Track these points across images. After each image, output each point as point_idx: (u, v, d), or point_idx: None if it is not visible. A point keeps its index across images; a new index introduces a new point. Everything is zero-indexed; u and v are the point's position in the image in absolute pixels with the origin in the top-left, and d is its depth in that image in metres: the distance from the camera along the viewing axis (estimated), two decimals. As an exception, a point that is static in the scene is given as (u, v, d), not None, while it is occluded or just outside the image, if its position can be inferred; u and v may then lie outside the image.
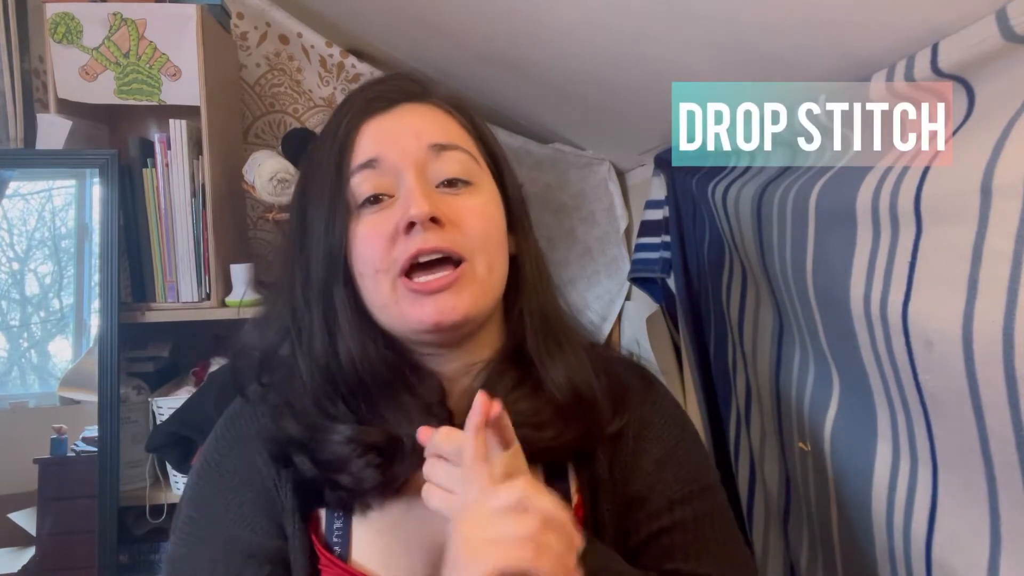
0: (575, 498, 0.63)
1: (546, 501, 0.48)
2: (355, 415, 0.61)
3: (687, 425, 0.70)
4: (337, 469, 0.59)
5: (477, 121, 0.67)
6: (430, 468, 0.54)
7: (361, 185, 0.60)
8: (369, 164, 0.61)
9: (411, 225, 0.58)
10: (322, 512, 0.63)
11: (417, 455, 0.57)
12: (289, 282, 0.64)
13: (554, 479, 0.63)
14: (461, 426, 0.54)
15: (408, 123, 0.63)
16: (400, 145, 0.61)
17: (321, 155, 0.63)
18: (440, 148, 0.61)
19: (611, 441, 0.64)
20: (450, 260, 0.59)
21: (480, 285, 0.60)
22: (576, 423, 0.62)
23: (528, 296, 0.65)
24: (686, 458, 0.66)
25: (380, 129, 0.62)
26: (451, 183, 0.61)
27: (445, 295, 0.58)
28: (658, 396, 0.70)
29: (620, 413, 0.65)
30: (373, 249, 0.59)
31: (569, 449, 0.62)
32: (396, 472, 0.59)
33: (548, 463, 0.63)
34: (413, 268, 0.59)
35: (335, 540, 0.62)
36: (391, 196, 0.60)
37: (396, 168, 0.60)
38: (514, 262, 0.65)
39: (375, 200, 0.60)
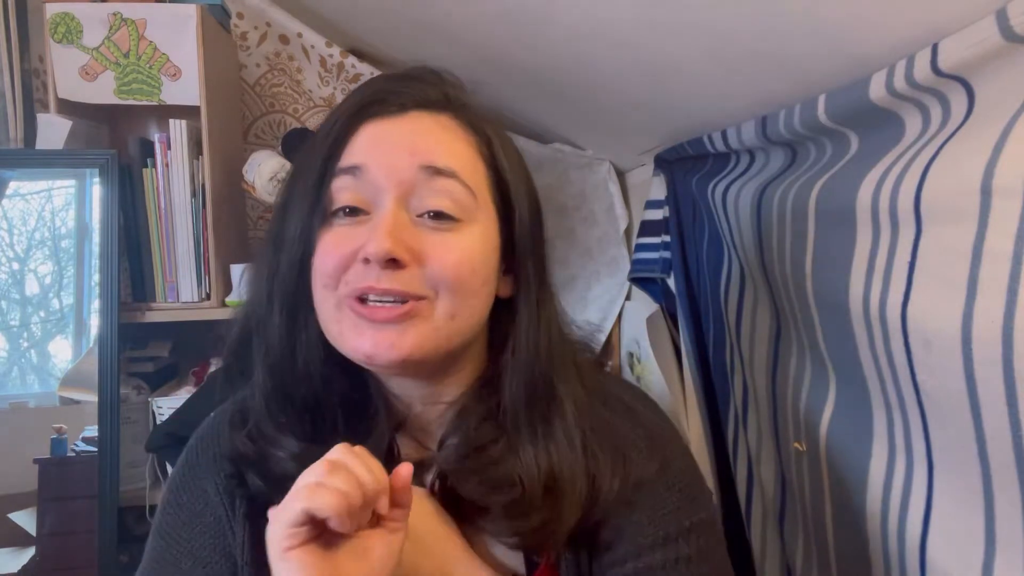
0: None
1: (338, 451, 0.49)
2: (305, 430, 0.58)
3: (676, 454, 0.61)
4: (284, 488, 0.53)
5: (495, 144, 0.60)
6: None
7: (340, 192, 0.55)
8: (351, 171, 0.55)
9: (368, 259, 0.52)
10: None
11: None
12: (260, 277, 0.60)
13: None
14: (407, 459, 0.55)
15: (407, 134, 0.56)
16: (389, 158, 0.54)
17: (313, 148, 0.58)
18: (434, 172, 0.54)
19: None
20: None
21: (434, 329, 0.54)
22: (543, 511, 0.55)
23: (517, 354, 0.58)
24: (665, 495, 0.58)
25: (376, 134, 0.56)
26: (436, 215, 0.54)
27: (388, 330, 0.52)
28: (664, 458, 0.60)
29: (601, 490, 0.57)
30: (327, 264, 0.54)
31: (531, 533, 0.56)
32: None
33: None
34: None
35: None
36: (367, 213, 0.55)
37: (378, 183, 0.54)
38: (510, 305, 0.59)
39: (351, 212, 0.55)
